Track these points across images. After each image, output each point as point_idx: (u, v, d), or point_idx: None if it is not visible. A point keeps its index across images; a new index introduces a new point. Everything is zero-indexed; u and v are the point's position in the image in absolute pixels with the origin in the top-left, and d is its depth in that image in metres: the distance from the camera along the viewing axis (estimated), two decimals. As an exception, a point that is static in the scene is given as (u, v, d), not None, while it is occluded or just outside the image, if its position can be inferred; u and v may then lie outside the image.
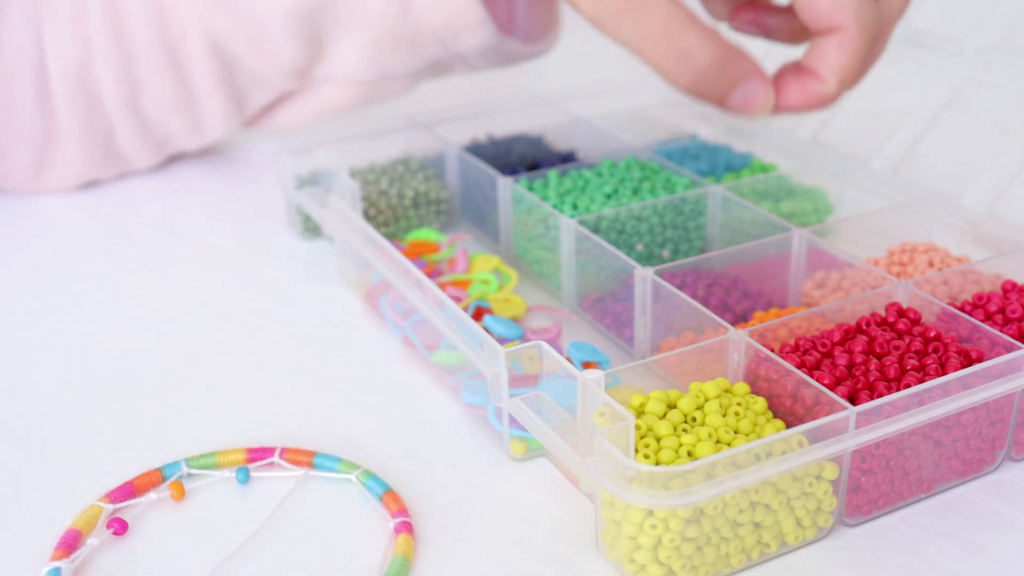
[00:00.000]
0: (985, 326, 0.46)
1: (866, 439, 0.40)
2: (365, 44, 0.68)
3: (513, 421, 0.47)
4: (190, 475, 0.47)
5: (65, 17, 0.70)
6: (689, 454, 0.40)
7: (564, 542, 0.43)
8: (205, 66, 0.71)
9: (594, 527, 0.43)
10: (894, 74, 0.69)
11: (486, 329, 0.53)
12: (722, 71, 0.43)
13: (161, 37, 0.70)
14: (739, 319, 0.54)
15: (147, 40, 0.70)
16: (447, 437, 0.49)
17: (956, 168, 0.63)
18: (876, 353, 0.45)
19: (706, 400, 0.42)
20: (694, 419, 0.42)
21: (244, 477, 0.46)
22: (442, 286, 0.57)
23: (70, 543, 0.42)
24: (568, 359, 0.50)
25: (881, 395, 0.42)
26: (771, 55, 0.77)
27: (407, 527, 0.43)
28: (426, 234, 0.64)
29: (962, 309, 0.49)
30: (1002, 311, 0.48)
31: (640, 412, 0.42)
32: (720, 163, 0.66)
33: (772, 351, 0.45)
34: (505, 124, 0.73)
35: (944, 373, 0.43)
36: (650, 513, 0.39)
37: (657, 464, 0.40)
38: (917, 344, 0.45)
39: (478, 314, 0.55)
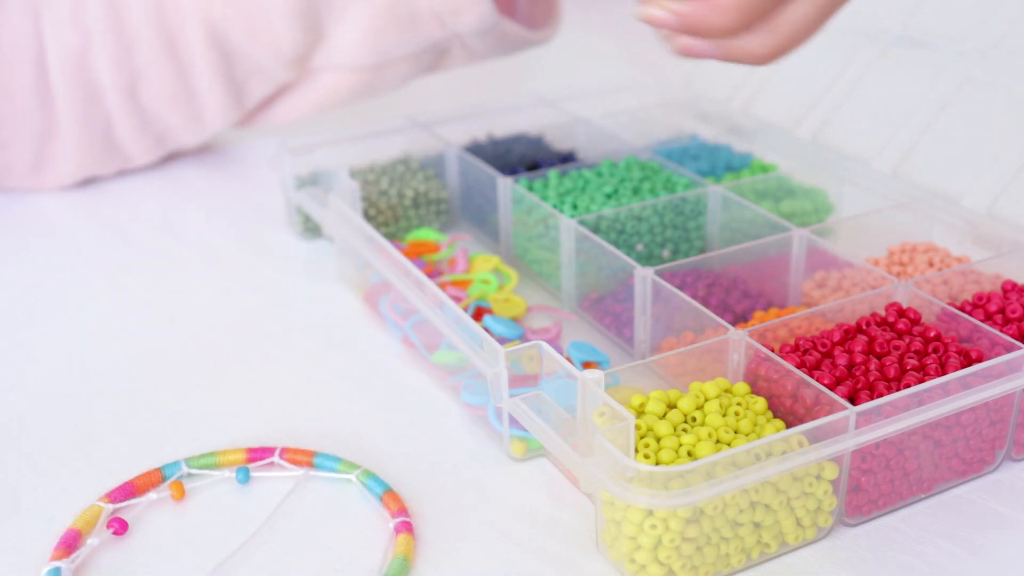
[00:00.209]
0: (985, 326, 0.46)
1: (866, 439, 0.40)
2: (364, 25, 0.69)
3: (513, 421, 0.47)
4: (190, 475, 0.47)
5: (64, 8, 0.70)
6: (689, 454, 0.40)
7: (564, 542, 0.43)
8: (204, 56, 0.71)
9: (594, 527, 0.43)
10: (894, 74, 0.69)
11: (486, 329, 0.53)
12: None
13: (160, 27, 0.70)
14: (739, 319, 0.54)
15: (146, 30, 0.70)
16: (447, 437, 0.49)
17: (956, 168, 0.63)
18: (876, 353, 0.45)
19: (706, 400, 0.42)
20: (694, 419, 0.42)
21: (244, 477, 0.46)
22: (442, 286, 0.57)
23: (70, 543, 0.42)
24: (568, 359, 0.50)
25: (881, 395, 0.42)
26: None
27: (407, 527, 0.43)
28: (426, 234, 0.64)
29: (962, 309, 0.49)
30: (1002, 311, 0.48)
31: (640, 412, 0.42)
32: (720, 163, 0.66)
33: (772, 351, 0.45)
34: (505, 124, 0.73)
35: (944, 373, 0.43)
36: (650, 513, 0.39)
37: (657, 464, 0.40)
38: (917, 344, 0.45)
39: (478, 314, 0.55)
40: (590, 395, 0.40)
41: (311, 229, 0.67)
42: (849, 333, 0.46)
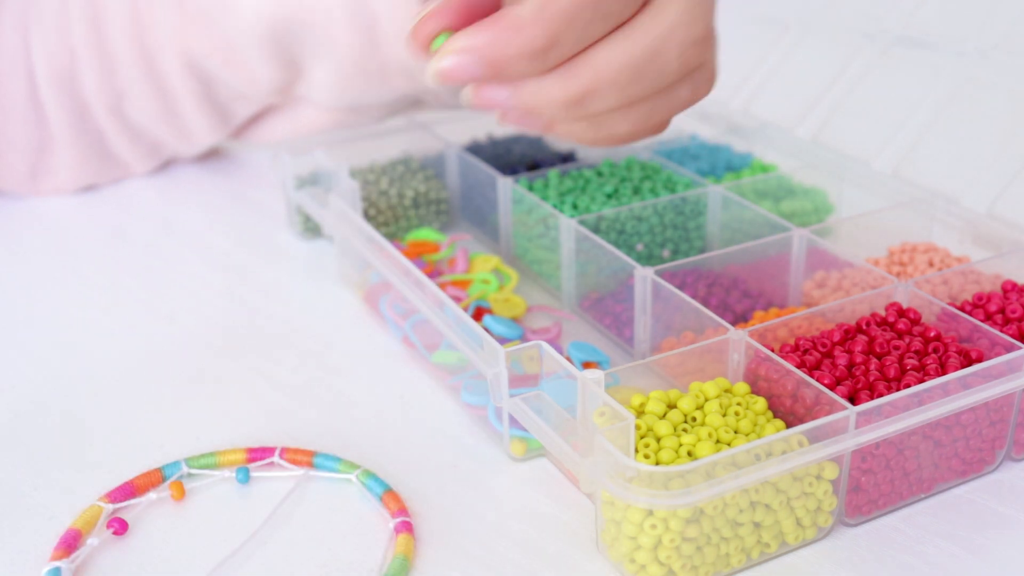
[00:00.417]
0: (985, 326, 0.46)
1: (866, 439, 0.40)
2: (335, 73, 0.69)
3: (513, 421, 0.47)
4: (190, 475, 0.47)
5: (50, 24, 0.70)
6: (689, 454, 0.40)
7: (564, 542, 0.43)
8: (184, 83, 0.71)
9: (594, 527, 0.43)
10: (894, 74, 0.69)
11: (486, 329, 0.53)
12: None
13: (140, 52, 0.70)
14: (739, 319, 0.54)
15: (127, 53, 0.70)
16: (447, 437, 0.49)
17: (956, 168, 0.63)
18: (876, 353, 0.45)
19: (706, 400, 0.42)
20: (694, 419, 0.42)
21: (244, 477, 0.46)
22: (442, 286, 0.57)
23: (70, 543, 0.42)
24: (568, 359, 0.50)
25: (881, 395, 0.42)
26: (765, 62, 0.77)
27: (407, 527, 0.43)
28: (426, 234, 0.64)
29: (962, 309, 0.49)
30: (1002, 311, 0.48)
31: (640, 412, 0.42)
32: (720, 163, 0.66)
33: (772, 351, 0.45)
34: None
35: (944, 373, 0.43)
36: (650, 513, 0.39)
37: (657, 464, 0.40)
38: (917, 344, 0.45)
39: (478, 314, 0.55)
40: (590, 395, 0.40)
41: (311, 229, 0.67)
42: (849, 333, 0.46)
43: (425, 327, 0.54)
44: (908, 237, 0.58)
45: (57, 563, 0.41)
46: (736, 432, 0.41)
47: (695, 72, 0.43)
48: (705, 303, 0.52)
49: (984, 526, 0.43)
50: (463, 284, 0.59)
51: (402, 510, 0.44)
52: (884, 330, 0.46)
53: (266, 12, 0.66)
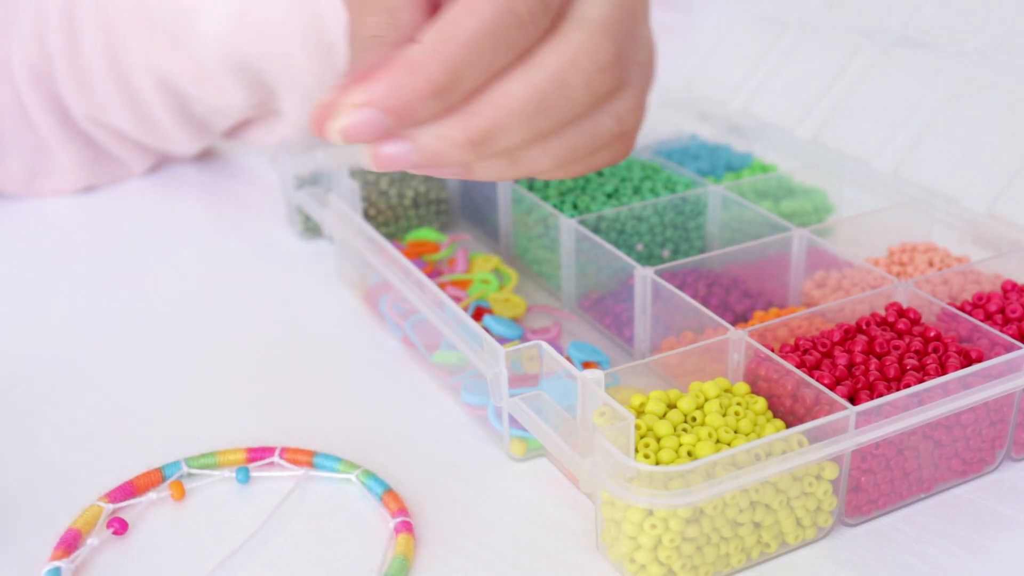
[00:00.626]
0: (985, 326, 0.46)
1: (866, 439, 0.40)
2: (302, 96, 0.68)
3: (513, 421, 0.47)
4: (190, 475, 0.47)
5: (29, 33, 0.69)
6: (689, 454, 0.40)
7: (564, 542, 0.43)
8: (159, 98, 0.70)
9: (594, 527, 0.43)
10: (894, 74, 0.69)
11: (486, 329, 0.53)
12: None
13: (115, 68, 0.70)
14: (739, 319, 0.54)
15: (102, 68, 0.70)
16: (447, 437, 0.49)
17: (956, 168, 0.63)
18: (876, 353, 0.45)
19: (706, 400, 0.42)
20: (694, 419, 0.42)
21: (244, 477, 0.46)
22: (442, 286, 0.57)
23: (70, 543, 0.42)
24: (568, 359, 0.50)
25: (881, 395, 0.42)
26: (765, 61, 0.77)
27: (407, 527, 0.43)
28: (426, 234, 0.64)
29: (962, 309, 0.49)
30: (1002, 311, 0.48)
31: (640, 412, 0.42)
32: (720, 163, 0.66)
33: (772, 351, 0.45)
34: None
35: (944, 373, 0.43)
36: (650, 513, 0.39)
37: (657, 464, 0.40)
38: (917, 344, 0.45)
39: (478, 314, 0.55)
40: (590, 395, 0.40)
41: (311, 229, 0.67)
42: (849, 333, 0.46)
43: (425, 327, 0.54)
44: (908, 237, 0.58)
45: (57, 563, 0.41)
46: (736, 432, 0.41)
47: (613, 100, 0.41)
48: (705, 303, 0.52)
49: (984, 526, 0.43)
50: (463, 284, 0.59)
51: (402, 510, 0.44)
52: (884, 330, 0.46)
53: (227, 39, 0.66)
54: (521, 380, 0.45)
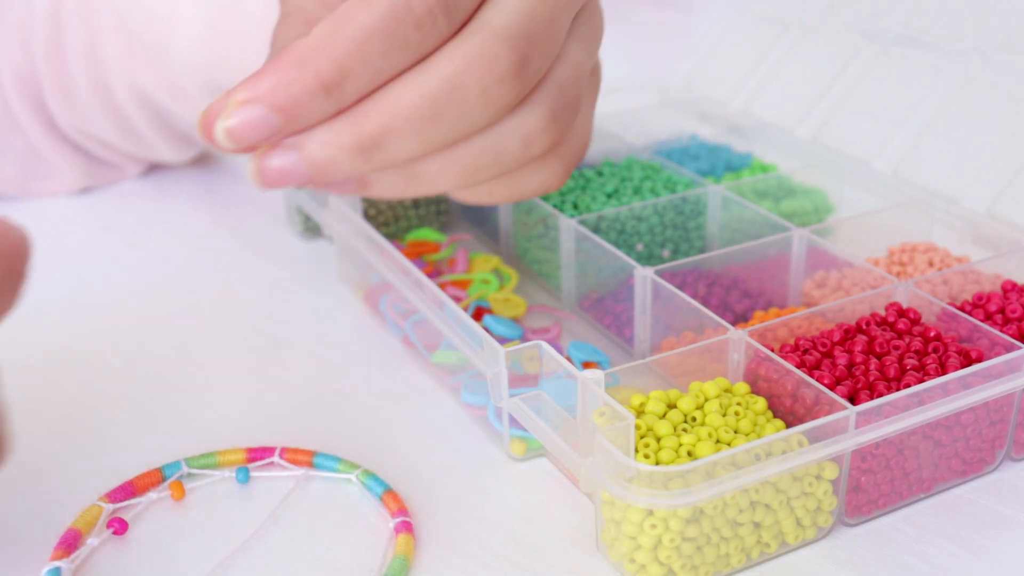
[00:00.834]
0: (985, 326, 0.46)
1: (866, 439, 0.40)
2: None
3: (513, 421, 0.47)
4: (190, 475, 0.47)
5: (15, 39, 0.69)
6: (689, 454, 0.40)
7: (564, 542, 0.43)
8: (140, 112, 0.70)
9: (594, 527, 0.43)
10: (894, 74, 0.69)
11: (486, 329, 0.53)
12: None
13: (97, 81, 0.69)
14: (739, 319, 0.54)
15: (85, 81, 0.69)
16: (447, 437, 0.49)
17: (956, 168, 0.63)
18: (876, 353, 0.45)
19: (706, 400, 0.42)
20: (694, 419, 0.42)
21: (244, 477, 0.46)
22: (442, 286, 0.57)
23: (70, 543, 0.42)
24: (568, 359, 0.50)
25: (881, 395, 0.42)
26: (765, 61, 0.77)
27: (407, 527, 0.43)
28: (426, 234, 0.64)
29: (962, 309, 0.49)
30: (1002, 311, 0.48)
31: (640, 412, 0.42)
32: (720, 163, 0.66)
33: (772, 351, 0.45)
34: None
35: (944, 373, 0.43)
36: (650, 513, 0.39)
37: (657, 464, 0.40)
38: (917, 344, 0.45)
39: (478, 314, 0.55)
40: (590, 395, 0.40)
41: (311, 229, 0.67)
42: (849, 333, 0.46)
43: (425, 327, 0.54)
44: (908, 237, 0.58)
45: (57, 563, 0.41)
46: (736, 432, 0.41)
47: (517, 117, 0.38)
48: (705, 303, 0.52)
49: (984, 526, 0.43)
50: (463, 284, 0.59)
51: (402, 510, 0.44)
52: (884, 330, 0.46)
53: (197, 56, 0.65)
54: (521, 380, 0.45)
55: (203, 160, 0.80)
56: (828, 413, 0.41)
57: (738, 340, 0.45)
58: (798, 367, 0.43)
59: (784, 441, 0.40)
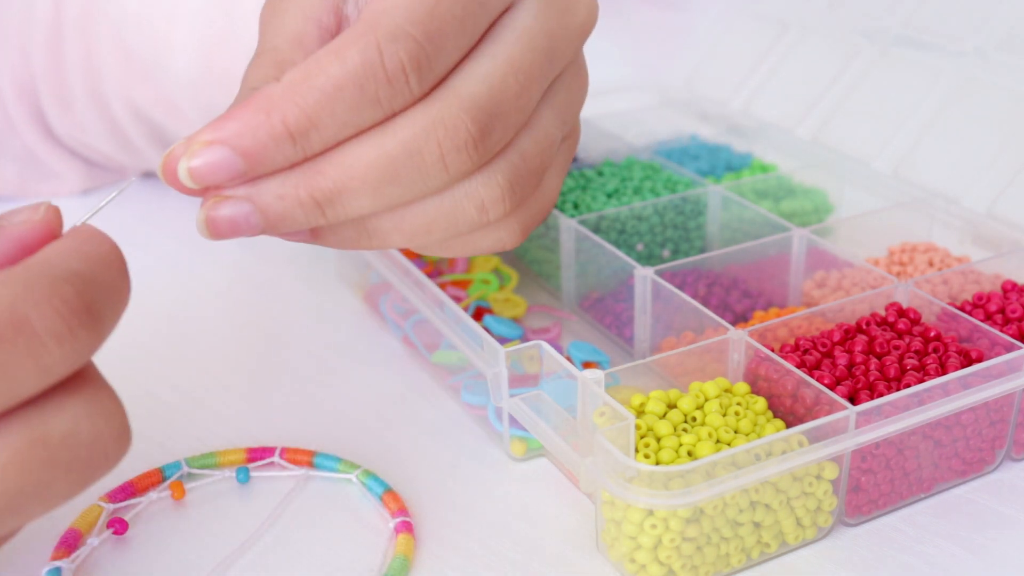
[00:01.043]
0: (985, 326, 0.46)
1: (866, 439, 0.40)
2: None
3: (513, 421, 0.47)
4: (190, 475, 0.47)
5: (15, 45, 0.69)
6: (689, 454, 0.40)
7: (564, 542, 0.43)
8: (136, 127, 0.70)
9: (594, 527, 0.43)
10: (894, 74, 0.69)
11: (486, 329, 0.53)
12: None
13: (94, 95, 0.69)
14: (739, 319, 0.54)
15: (82, 92, 0.69)
16: (447, 437, 0.49)
17: (956, 168, 0.63)
18: (876, 353, 0.45)
19: (706, 400, 0.42)
20: (694, 419, 0.42)
21: (244, 477, 0.46)
22: (442, 286, 0.57)
23: (70, 543, 0.42)
24: (568, 359, 0.50)
25: (881, 395, 0.42)
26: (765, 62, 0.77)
27: (407, 527, 0.43)
28: (426, 234, 0.64)
29: (962, 309, 0.49)
30: (1002, 311, 0.48)
31: (640, 412, 0.42)
32: (720, 163, 0.66)
33: (772, 351, 0.45)
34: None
35: (944, 373, 0.43)
36: (650, 513, 0.39)
37: (657, 464, 0.40)
38: (917, 344, 0.45)
39: (478, 314, 0.55)
40: (590, 395, 0.40)
41: (311, 229, 0.67)
42: (849, 333, 0.46)
43: (425, 327, 0.54)
44: (908, 237, 0.58)
45: (57, 563, 0.41)
46: (736, 432, 0.41)
47: (474, 184, 0.38)
48: (705, 303, 0.52)
49: (984, 526, 0.43)
50: (463, 284, 0.59)
51: (402, 510, 0.44)
52: (884, 330, 0.46)
53: (195, 78, 0.65)
54: (521, 380, 0.45)
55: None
56: (828, 413, 0.41)
57: (738, 340, 0.45)
58: (798, 367, 0.43)
59: (784, 441, 0.40)
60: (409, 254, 0.61)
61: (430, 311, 0.50)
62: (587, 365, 0.52)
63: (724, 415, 0.42)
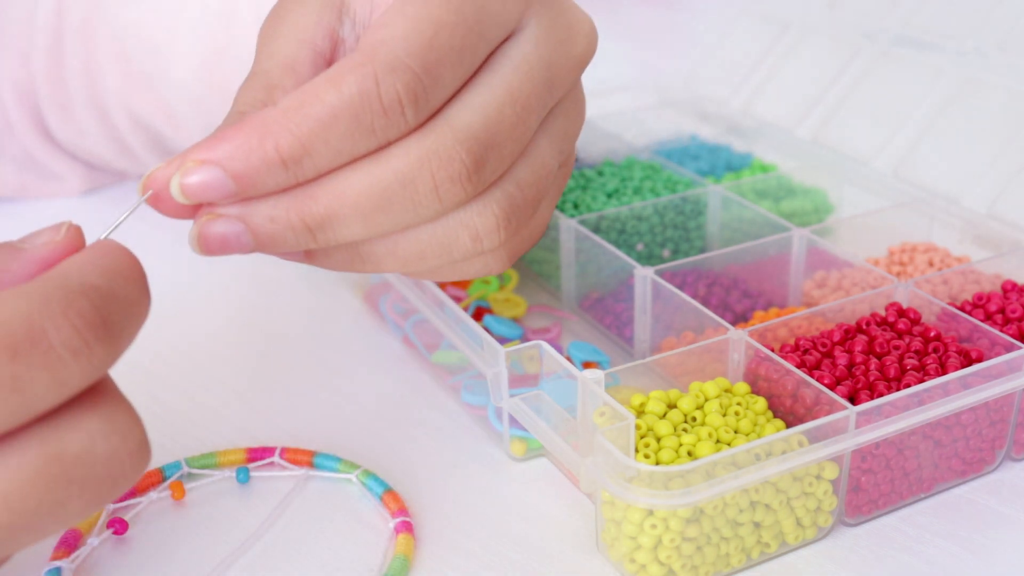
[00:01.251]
0: (985, 326, 0.46)
1: (866, 439, 0.40)
2: None
3: (513, 421, 0.47)
4: (190, 475, 0.47)
5: (15, 49, 0.69)
6: (689, 454, 0.40)
7: (564, 542, 0.43)
8: (135, 135, 0.70)
9: (594, 527, 0.43)
10: (894, 74, 0.69)
11: (486, 329, 0.53)
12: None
13: (94, 102, 0.69)
14: (739, 319, 0.54)
15: (82, 99, 0.69)
16: (447, 437, 0.49)
17: (956, 168, 0.63)
18: (876, 353, 0.45)
19: (706, 400, 0.42)
20: (694, 419, 0.42)
21: (244, 477, 0.46)
22: (442, 286, 0.57)
23: (70, 543, 0.42)
24: (568, 359, 0.50)
25: (881, 395, 0.42)
26: (764, 63, 0.77)
27: (407, 527, 0.43)
28: (426, 234, 0.64)
29: (962, 309, 0.49)
30: (1002, 311, 0.48)
31: (640, 412, 0.42)
32: (720, 163, 0.66)
33: (772, 351, 0.45)
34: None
35: (944, 373, 0.43)
36: (650, 513, 0.39)
37: (657, 464, 0.40)
38: (917, 344, 0.45)
39: (478, 314, 0.55)
40: (590, 395, 0.40)
41: (311, 229, 0.67)
42: (849, 333, 0.46)
43: (425, 327, 0.54)
44: (908, 237, 0.58)
45: (57, 563, 0.41)
46: (736, 432, 0.41)
47: (469, 214, 0.38)
48: (705, 303, 0.52)
49: (984, 526, 0.43)
50: (463, 284, 0.59)
51: (402, 510, 0.44)
52: (884, 330, 0.46)
53: (195, 90, 0.65)
54: (521, 380, 0.45)
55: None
56: (828, 413, 0.41)
57: (738, 340, 0.45)
58: (798, 367, 0.43)
59: (784, 441, 0.40)
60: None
61: (430, 311, 0.50)
62: (587, 365, 0.52)
63: (724, 415, 0.42)
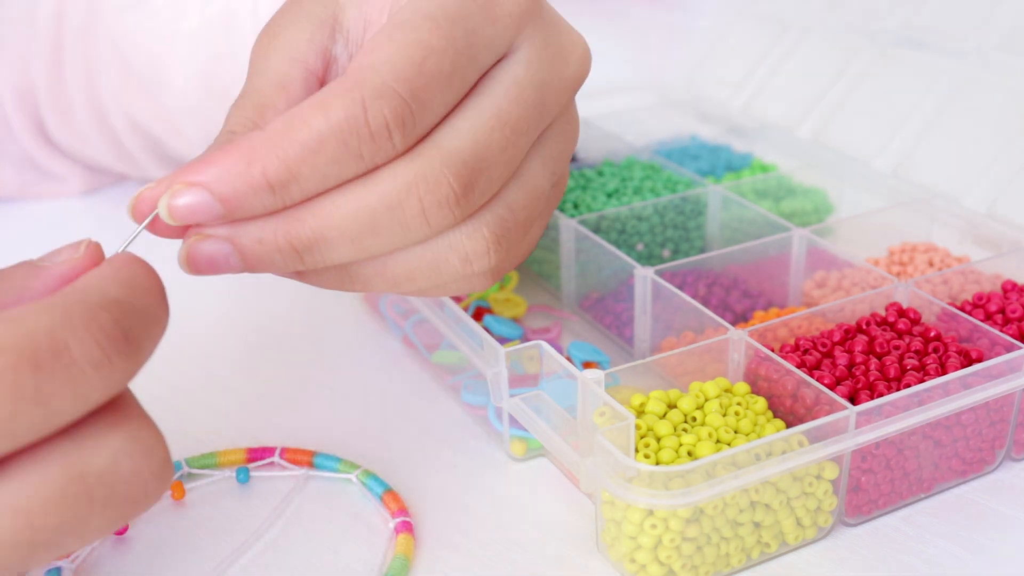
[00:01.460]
0: (985, 326, 0.46)
1: (866, 439, 0.40)
2: None
3: (513, 421, 0.47)
4: (190, 475, 0.47)
5: (15, 53, 0.69)
6: (689, 454, 0.40)
7: (564, 542, 0.43)
8: (134, 140, 0.70)
9: (594, 527, 0.43)
10: (894, 74, 0.69)
11: (486, 329, 0.53)
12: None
13: (93, 106, 0.69)
14: (739, 319, 0.54)
15: (82, 103, 0.69)
16: (447, 437, 0.49)
17: (956, 168, 0.63)
18: (876, 353, 0.45)
19: (706, 400, 0.42)
20: (694, 419, 0.42)
21: (244, 477, 0.46)
22: (442, 286, 0.57)
23: (70, 543, 0.42)
24: (568, 359, 0.50)
25: (881, 395, 0.42)
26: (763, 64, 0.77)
27: (407, 527, 0.43)
28: (426, 234, 0.64)
29: (962, 309, 0.49)
30: (1002, 311, 0.48)
31: (640, 412, 0.42)
32: (720, 163, 0.66)
33: (772, 351, 0.45)
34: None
35: (944, 373, 0.43)
36: (650, 513, 0.39)
37: (657, 464, 0.40)
38: (917, 344, 0.45)
39: (478, 314, 0.55)
40: (590, 395, 0.40)
41: (311, 229, 0.67)
42: (849, 333, 0.46)
43: (425, 327, 0.54)
44: (908, 237, 0.58)
45: (57, 563, 0.41)
46: (736, 432, 0.41)
47: (458, 236, 0.38)
48: (705, 303, 0.52)
49: (984, 526, 0.43)
50: (463, 284, 0.59)
51: (402, 510, 0.44)
52: (884, 330, 0.46)
53: (194, 97, 0.65)
54: (521, 380, 0.45)
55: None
56: (828, 413, 0.41)
57: (738, 340, 0.45)
58: (798, 367, 0.43)
59: (784, 441, 0.40)
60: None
61: (430, 311, 0.50)
62: (587, 365, 0.52)
63: (724, 415, 0.42)
